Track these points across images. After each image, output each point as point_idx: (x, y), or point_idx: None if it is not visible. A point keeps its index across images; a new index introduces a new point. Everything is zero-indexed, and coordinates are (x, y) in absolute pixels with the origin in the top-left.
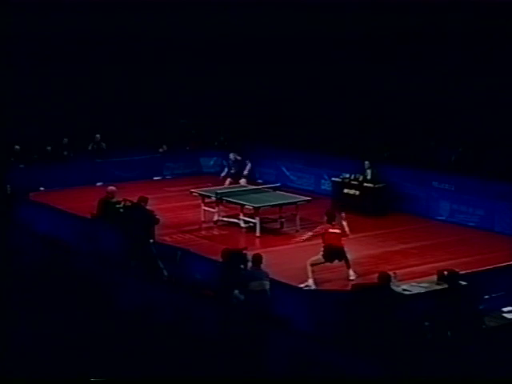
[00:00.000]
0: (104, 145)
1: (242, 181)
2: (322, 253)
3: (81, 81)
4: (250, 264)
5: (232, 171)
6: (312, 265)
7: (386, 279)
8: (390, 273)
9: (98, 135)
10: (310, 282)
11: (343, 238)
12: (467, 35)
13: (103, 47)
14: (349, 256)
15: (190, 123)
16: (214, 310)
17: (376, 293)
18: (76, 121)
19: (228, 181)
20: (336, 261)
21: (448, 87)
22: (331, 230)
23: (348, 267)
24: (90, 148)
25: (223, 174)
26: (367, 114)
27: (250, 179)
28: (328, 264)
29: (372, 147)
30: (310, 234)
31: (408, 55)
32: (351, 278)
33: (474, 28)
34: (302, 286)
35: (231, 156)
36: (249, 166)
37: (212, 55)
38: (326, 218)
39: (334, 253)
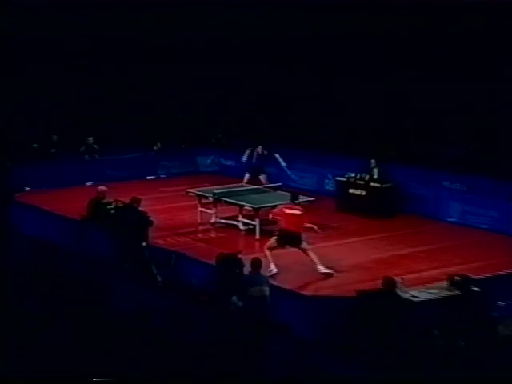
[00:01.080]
0: (97, 147)
1: (262, 177)
2: (275, 236)
3: (71, 76)
4: (246, 269)
5: (253, 164)
6: (269, 249)
7: (390, 285)
8: (397, 278)
9: (90, 138)
10: (272, 266)
11: (306, 224)
12: (476, 32)
13: (94, 43)
14: (306, 246)
15: (186, 119)
16: (211, 317)
17: (382, 299)
18: (65, 116)
19: (247, 177)
20: (288, 246)
21: (459, 81)
22: (288, 212)
23: (312, 261)
24: (81, 150)
25: (244, 160)
26: (373, 110)
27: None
28: (330, 267)
29: (378, 145)
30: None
31: (416, 51)
32: (322, 271)
33: (482, 26)
34: (267, 274)
35: (259, 148)
36: (278, 157)
37: (211, 50)
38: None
39: (286, 237)
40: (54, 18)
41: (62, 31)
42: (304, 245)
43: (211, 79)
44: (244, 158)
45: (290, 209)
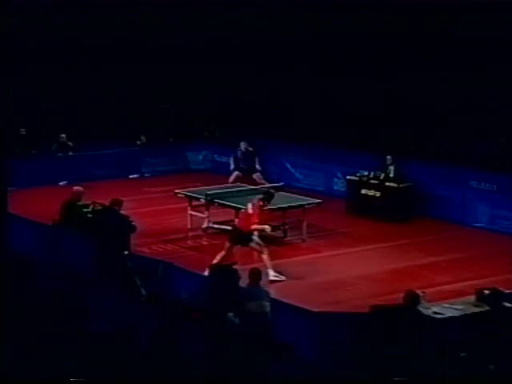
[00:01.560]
0: (71, 144)
1: (257, 175)
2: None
3: (45, 66)
4: (244, 281)
5: (241, 165)
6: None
7: (413, 300)
8: (419, 291)
9: (63, 135)
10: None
11: (254, 220)
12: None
13: (66, 32)
14: (255, 245)
15: (174, 109)
16: (203, 336)
17: (400, 316)
18: (37, 109)
19: (234, 175)
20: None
21: (489, 71)
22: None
23: (265, 263)
24: (53, 149)
25: (232, 168)
26: (389, 99)
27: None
28: (339, 279)
29: (395, 139)
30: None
31: (441, 42)
32: (271, 277)
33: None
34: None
35: (242, 146)
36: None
37: (208, 41)
38: None
39: (236, 236)
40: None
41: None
42: (253, 244)
43: (203, 65)
44: (232, 166)
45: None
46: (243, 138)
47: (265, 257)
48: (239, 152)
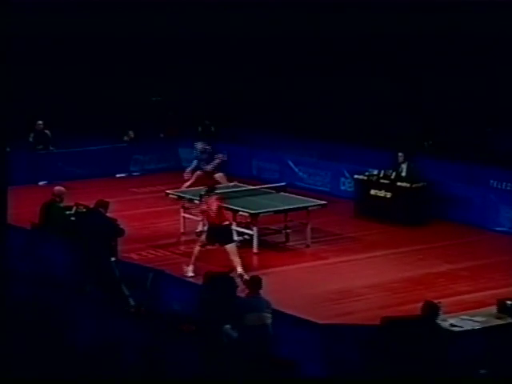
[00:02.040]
0: (49, 133)
1: (219, 175)
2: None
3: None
4: (242, 290)
5: (202, 165)
6: (200, 246)
7: (433, 311)
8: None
9: (40, 122)
10: (188, 269)
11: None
12: None
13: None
14: (233, 245)
15: (164, 102)
16: (197, 351)
17: (416, 329)
18: (13, 101)
19: (188, 175)
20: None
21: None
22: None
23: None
24: (30, 139)
25: (189, 169)
26: (401, 91)
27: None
28: (347, 288)
29: (408, 134)
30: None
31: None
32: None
33: None
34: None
35: (199, 146)
36: (218, 160)
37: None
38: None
39: (213, 233)
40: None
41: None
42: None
43: (198, 56)
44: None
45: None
46: (241, 132)
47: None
48: (197, 152)
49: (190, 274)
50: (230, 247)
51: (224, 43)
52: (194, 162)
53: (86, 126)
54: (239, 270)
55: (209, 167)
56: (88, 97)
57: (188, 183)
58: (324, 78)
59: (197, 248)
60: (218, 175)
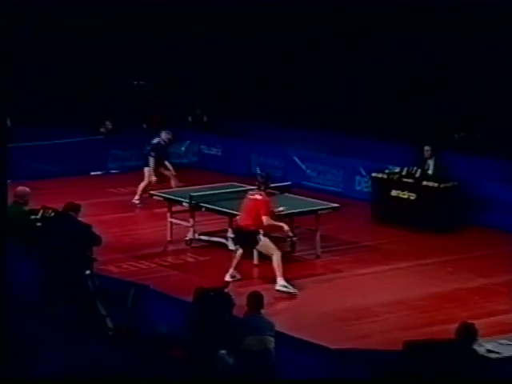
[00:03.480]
0: (9, 122)
1: (147, 169)
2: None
3: None
4: (239, 308)
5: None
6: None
7: (469, 335)
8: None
9: None
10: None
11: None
12: None
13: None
14: (262, 248)
15: (148, 87)
16: (188, 380)
17: (447, 355)
18: None
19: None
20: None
21: None
22: (250, 196)
23: (273, 267)
24: None
25: (148, 169)
26: (426, 73)
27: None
28: (363, 307)
29: (435, 125)
30: None
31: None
32: (277, 287)
33: None
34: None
35: (163, 136)
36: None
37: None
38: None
39: (241, 235)
40: None
41: None
42: (263, 246)
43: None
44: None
45: (253, 194)
46: (238, 122)
47: (275, 259)
48: (162, 142)
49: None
50: (263, 248)
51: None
52: (151, 158)
53: (56, 115)
54: (279, 275)
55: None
56: (57, 81)
57: (144, 183)
58: (335, 59)
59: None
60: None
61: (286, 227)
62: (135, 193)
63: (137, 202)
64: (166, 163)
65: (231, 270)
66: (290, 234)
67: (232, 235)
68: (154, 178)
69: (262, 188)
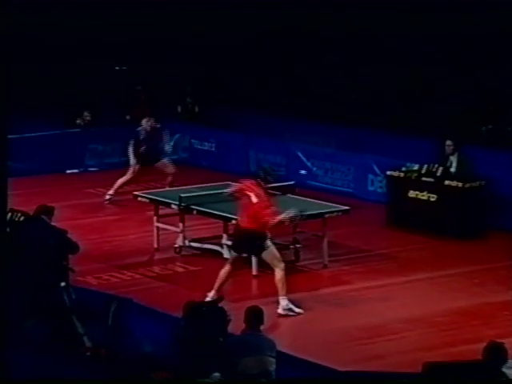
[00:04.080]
0: None
1: (161, 163)
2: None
3: None
4: (235, 325)
5: (142, 149)
6: (230, 263)
7: (498, 355)
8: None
9: None
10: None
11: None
12: None
13: None
14: (269, 255)
15: (131, 73)
16: None
17: (471, 378)
18: None
19: (133, 169)
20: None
21: None
22: (248, 193)
23: (279, 287)
24: None
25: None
26: (451, 60)
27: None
28: (377, 323)
29: (460, 117)
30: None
31: None
32: (280, 310)
33: None
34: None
35: (145, 124)
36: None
37: None
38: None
39: (240, 238)
40: None
41: None
42: (267, 255)
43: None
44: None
45: (252, 189)
46: (235, 114)
47: (279, 274)
48: (142, 133)
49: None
50: (267, 257)
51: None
52: (131, 150)
53: (26, 106)
54: (281, 294)
55: (167, 148)
56: (26, 66)
57: (124, 178)
58: (346, 44)
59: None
60: (161, 163)
61: (291, 212)
62: (118, 193)
63: (108, 197)
64: (164, 160)
65: (213, 292)
66: (297, 211)
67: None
68: (171, 170)
69: (262, 183)
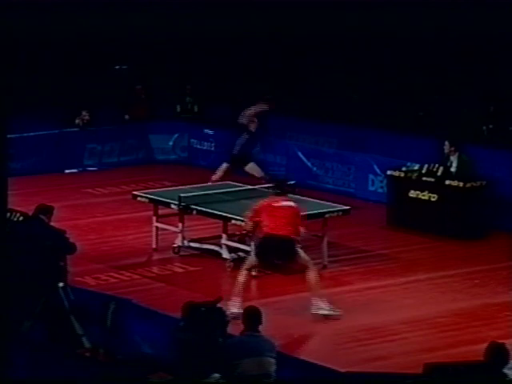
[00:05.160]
0: None
1: (250, 167)
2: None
3: None
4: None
5: (235, 151)
6: (247, 270)
7: (500, 356)
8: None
9: None
10: (235, 304)
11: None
12: None
13: None
14: (306, 260)
15: (131, 72)
16: None
17: (473, 379)
18: None
19: (223, 168)
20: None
21: None
22: (276, 204)
23: (311, 290)
24: None
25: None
26: (448, 56)
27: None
28: (377, 325)
29: (460, 116)
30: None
31: None
32: (320, 312)
33: None
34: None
35: (251, 126)
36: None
37: None
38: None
39: (272, 246)
40: None
41: None
42: (302, 258)
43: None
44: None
45: (277, 201)
46: (234, 113)
47: (314, 274)
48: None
49: (235, 309)
50: (302, 260)
51: None
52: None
53: (24, 105)
54: (317, 297)
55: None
56: (25, 66)
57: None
58: (346, 42)
59: (241, 276)
60: (249, 166)
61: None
62: (116, 193)
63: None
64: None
65: (235, 299)
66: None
67: (259, 247)
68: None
69: (279, 192)
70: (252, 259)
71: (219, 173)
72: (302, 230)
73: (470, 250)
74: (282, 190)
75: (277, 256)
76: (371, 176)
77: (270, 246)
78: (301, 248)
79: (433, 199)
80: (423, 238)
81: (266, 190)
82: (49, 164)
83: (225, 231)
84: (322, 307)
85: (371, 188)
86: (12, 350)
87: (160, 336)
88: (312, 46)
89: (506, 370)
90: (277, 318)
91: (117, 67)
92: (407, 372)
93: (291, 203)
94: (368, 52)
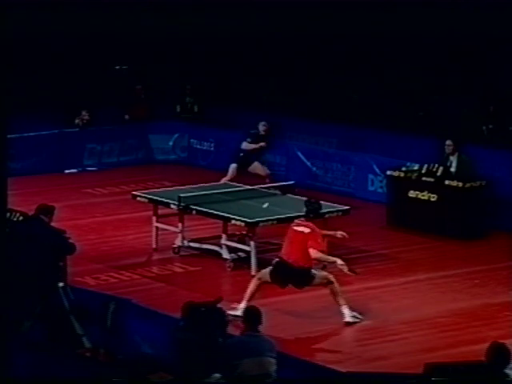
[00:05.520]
0: None
1: (255, 166)
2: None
3: None
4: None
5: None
6: (259, 279)
7: (500, 357)
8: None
9: None
10: (240, 306)
11: (316, 249)
12: None
13: None
14: (319, 281)
15: (131, 72)
16: None
17: (474, 380)
18: None
19: (232, 169)
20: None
21: None
22: (295, 228)
23: (335, 300)
24: None
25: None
26: (448, 56)
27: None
28: (377, 325)
29: (460, 116)
30: None
31: None
32: (347, 319)
33: None
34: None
35: (260, 127)
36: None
37: None
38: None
39: (284, 271)
40: None
41: None
42: (318, 279)
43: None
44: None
45: (297, 224)
46: (234, 113)
47: (333, 289)
48: (259, 133)
49: (238, 312)
50: (318, 282)
51: None
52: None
53: (24, 105)
54: (343, 304)
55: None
56: (25, 66)
57: (228, 178)
58: (346, 42)
59: (253, 283)
60: (253, 166)
61: (339, 261)
62: (116, 193)
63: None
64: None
65: (244, 302)
66: (346, 269)
67: (273, 271)
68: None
69: (311, 216)
70: (266, 275)
71: (230, 173)
72: (313, 252)
73: (470, 250)
74: (315, 215)
75: (290, 282)
76: (371, 176)
77: (282, 272)
78: (317, 268)
79: (432, 199)
80: (423, 238)
81: (267, 190)
82: (49, 164)
83: (225, 231)
84: (354, 314)
85: (371, 188)
86: (12, 350)
87: (160, 336)
88: (312, 46)
89: (507, 371)
90: (277, 318)
91: (117, 67)
92: (407, 372)
93: (305, 229)
94: (368, 52)
